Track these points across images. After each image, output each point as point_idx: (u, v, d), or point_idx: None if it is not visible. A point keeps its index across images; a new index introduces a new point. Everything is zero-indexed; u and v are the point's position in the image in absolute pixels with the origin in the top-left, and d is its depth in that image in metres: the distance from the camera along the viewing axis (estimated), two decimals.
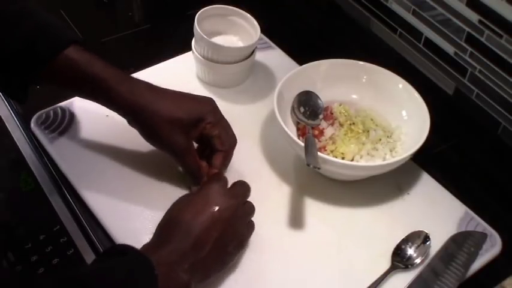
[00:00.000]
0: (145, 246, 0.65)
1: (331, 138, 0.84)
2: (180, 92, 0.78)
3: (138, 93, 0.74)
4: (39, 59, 0.73)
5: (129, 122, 0.77)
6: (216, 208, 0.67)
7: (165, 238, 0.65)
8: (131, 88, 0.75)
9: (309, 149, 0.76)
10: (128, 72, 0.94)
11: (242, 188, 0.73)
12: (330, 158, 0.78)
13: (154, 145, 0.78)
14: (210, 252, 0.65)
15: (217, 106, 0.80)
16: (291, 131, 0.81)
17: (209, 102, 0.79)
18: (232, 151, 0.81)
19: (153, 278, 0.59)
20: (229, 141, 0.80)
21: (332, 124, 0.86)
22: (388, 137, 0.86)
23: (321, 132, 0.85)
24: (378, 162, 0.82)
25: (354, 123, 0.86)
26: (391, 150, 0.84)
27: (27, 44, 0.73)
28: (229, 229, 0.67)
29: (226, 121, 0.80)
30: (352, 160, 0.82)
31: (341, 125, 0.86)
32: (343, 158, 0.82)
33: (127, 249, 0.62)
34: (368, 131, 0.85)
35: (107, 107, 0.76)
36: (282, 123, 0.80)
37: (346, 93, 0.91)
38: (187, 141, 0.76)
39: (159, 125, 0.74)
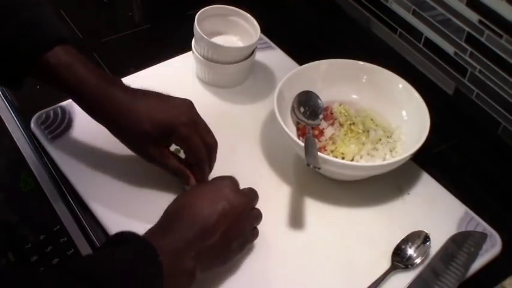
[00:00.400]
0: (151, 230, 0.65)
1: (331, 138, 0.84)
2: (157, 100, 0.75)
3: (111, 106, 0.74)
4: (22, 59, 0.72)
5: None
6: (228, 202, 0.67)
7: (173, 224, 0.65)
8: (105, 102, 0.74)
9: (309, 149, 0.76)
10: (127, 72, 0.95)
11: (252, 192, 0.73)
12: (330, 158, 0.78)
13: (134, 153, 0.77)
14: (216, 243, 0.65)
15: (194, 114, 0.76)
16: (291, 131, 0.81)
17: (184, 112, 0.75)
18: (210, 161, 0.78)
19: (158, 264, 0.59)
20: (203, 153, 0.76)
21: (332, 124, 0.86)
22: (388, 137, 0.86)
23: (321, 132, 0.85)
24: (378, 162, 0.82)
25: (354, 123, 0.86)
26: (391, 150, 0.84)
27: (13, 41, 0.71)
28: (236, 225, 0.67)
29: (203, 129, 0.76)
30: (352, 160, 0.82)
31: (341, 125, 0.86)
32: (343, 158, 0.82)
33: (130, 236, 0.62)
34: (368, 131, 0.85)
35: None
36: (282, 123, 0.80)
37: (346, 93, 0.91)
38: (158, 149, 0.75)
39: (129, 138, 0.75)
